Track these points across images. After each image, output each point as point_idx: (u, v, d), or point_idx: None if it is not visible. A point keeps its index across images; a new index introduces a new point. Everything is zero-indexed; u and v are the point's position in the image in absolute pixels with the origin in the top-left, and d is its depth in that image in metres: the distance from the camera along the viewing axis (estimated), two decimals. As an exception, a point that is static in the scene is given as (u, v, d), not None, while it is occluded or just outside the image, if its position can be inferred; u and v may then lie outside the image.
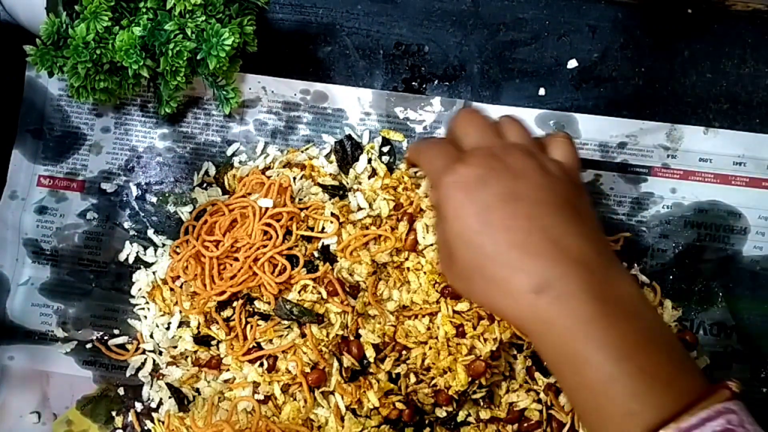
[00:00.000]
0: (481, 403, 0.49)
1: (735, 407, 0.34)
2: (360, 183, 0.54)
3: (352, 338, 0.50)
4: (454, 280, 0.42)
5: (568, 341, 0.36)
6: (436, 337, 0.49)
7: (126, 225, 0.57)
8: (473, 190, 0.39)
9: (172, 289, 0.53)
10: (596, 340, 0.36)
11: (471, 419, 0.49)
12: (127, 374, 0.54)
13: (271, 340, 0.51)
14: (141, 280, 0.55)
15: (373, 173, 0.55)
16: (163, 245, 0.56)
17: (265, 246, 0.51)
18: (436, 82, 0.58)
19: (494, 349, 0.48)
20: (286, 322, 0.50)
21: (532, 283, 0.37)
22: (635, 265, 0.54)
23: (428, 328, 0.49)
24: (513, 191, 0.39)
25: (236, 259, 0.51)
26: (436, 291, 0.50)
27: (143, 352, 0.54)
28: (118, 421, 0.54)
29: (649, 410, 0.34)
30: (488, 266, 0.38)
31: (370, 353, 0.49)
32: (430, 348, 0.49)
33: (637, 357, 0.35)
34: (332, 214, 0.52)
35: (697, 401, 0.34)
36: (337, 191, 0.53)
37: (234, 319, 0.51)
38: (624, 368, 0.35)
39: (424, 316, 0.50)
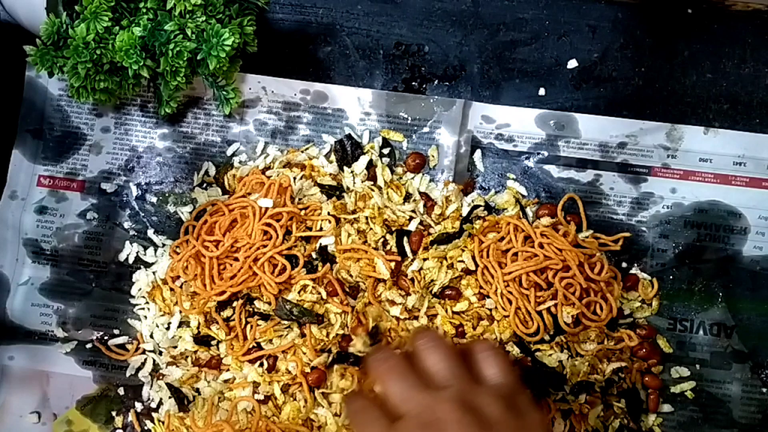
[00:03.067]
0: None
1: None
2: (355, 185, 0.54)
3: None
4: None
5: None
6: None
7: (126, 225, 0.57)
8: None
9: (172, 289, 0.53)
10: None
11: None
12: (127, 374, 0.54)
13: (271, 340, 0.51)
14: (141, 280, 0.55)
15: (369, 176, 0.55)
16: (163, 245, 0.56)
17: (265, 246, 0.51)
18: (436, 82, 0.58)
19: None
20: (286, 322, 0.50)
21: None
22: (635, 264, 0.54)
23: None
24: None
25: (236, 259, 0.51)
26: (432, 294, 0.50)
27: (143, 352, 0.54)
28: (118, 421, 0.54)
29: None
30: None
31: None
32: None
33: None
34: (329, 214, 0.52)
35: None
36: (335, 191, 0.53)
37: (234, 319, 0.51)
38: None
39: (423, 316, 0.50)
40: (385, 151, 0.56)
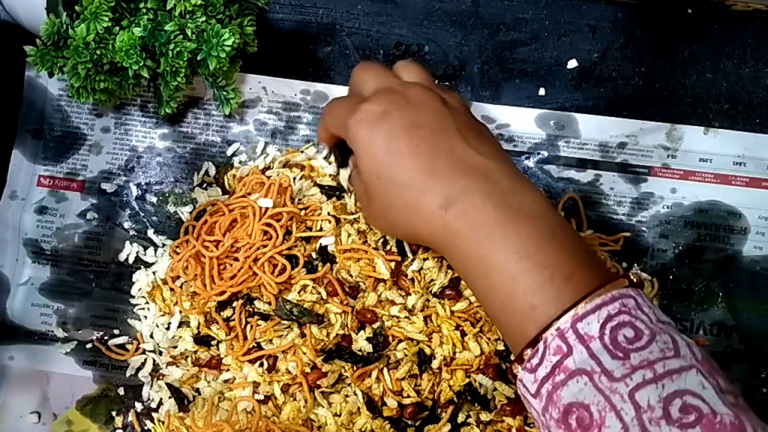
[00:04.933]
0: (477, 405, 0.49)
1: (633, 293, 0.36)
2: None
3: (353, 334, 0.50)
4: (375, 219, 0.45)
5: (474, 248, 0.39)
6: (435, 334, 0.49)
7: (126, 225, 0.57)
8: (377, 124, 0.41)
9: (172, 289, 0.53)
10: (498, 243, 0.38)
11: (471, 420, 0.49)
12: (127, 374, 0.54)
13: (271, 340, 0.51)
14: (141, 280, 0.55)
15: None
16: (163, 245, 0.56)
17: (265, 246, 0.51)
18: (436, 82, 0.58)
19: (501, 348, 0.49)
20: (286, 322, 0.50)
21: (439, 201, 0.39)
22: (635, 264, 0.54)
23: (427, 326, 0.50)
24: (414, 120, 0.41)
25: (236, 259, 0.51)
26: (432, 294, 0.50)
27: (143, 352, 0.54)
28: (118, 421, 0.54)
29: (549, 303, 0.36)
30: (400, 194, 0.41)
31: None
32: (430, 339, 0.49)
33: (536, 255, 0.37)
34: (329, 214, 0.52)
35: (596, 291, 0.35)
36: (335, 192, 0.53)
37: (234, 319, 0.51)
38: (524, 266, 0.37)
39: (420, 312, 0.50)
40: None
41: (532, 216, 0.39)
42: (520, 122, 0.56)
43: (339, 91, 0.57)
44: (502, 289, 0.38)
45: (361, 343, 0.49)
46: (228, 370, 0.51)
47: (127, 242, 0.56)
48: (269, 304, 0.50)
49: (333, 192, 0.53)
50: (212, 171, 0.57)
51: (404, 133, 0.41)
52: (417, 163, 0.40)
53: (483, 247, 0.38)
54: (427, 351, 0.49)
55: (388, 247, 0.51)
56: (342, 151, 0.50)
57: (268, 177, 0.54)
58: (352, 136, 0.43)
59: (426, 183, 0.40)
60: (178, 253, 0.53)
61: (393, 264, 0.50)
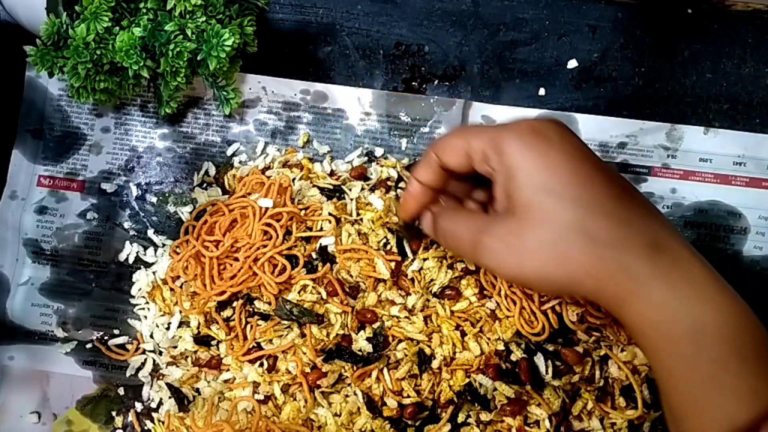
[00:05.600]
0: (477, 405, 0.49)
1: None
2: (351, 190, 0.53)
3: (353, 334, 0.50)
4: (528, 258, 0.35)
5: (687, 314, 0.33)
6: (435, 334, 0.49)
7: (126, 225, 0.57)
8: (547, 137, 0.34)
9: (172, 289, 0.53)
10: (715, 303, 0.33)
11: (471, 420, 0.49)
12: (127, 374, 0.54)
13: (271, 340, 0.51)
14: (141, 280, 0.55)
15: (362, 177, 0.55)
16: (163, 245, 0.56)
17: (265, 246, 0.51)
18: (436, 82, 0.58)
19: (500, 348, 0.49)
20: (286, 322, 0.50)
21: (647, 238, 0.33)
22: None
23: (427, 326, 0.50)
24: (583, 147, 0.35)
25: (236, 259, 0.51)
26: (432, 294, 0.50)
27: (143, 352, 0.54)
28: (118, 421, 0.54)
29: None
30: (590, 220, 0.33)
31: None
32: (431, 339, 0.49)
33: (742, 318, 0.33)
34: (330, 214, 0.52)
35: None
36: (335, 193, 0.53)
37: (234, 319, 0.51)
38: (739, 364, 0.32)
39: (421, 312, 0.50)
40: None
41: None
42: (520, 122, 0.56)
43: (339, 91, 0.57)
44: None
45: (361, 343, 0.49)
46: (228, 370, 0.51)
47: (127, 242, 0.56)
48: (269, 304, 0.50)
49: (332, 193, 0.53)
50: (212, 171, 0.57)
51: (581, 155, 0.35)
52: (611, 191, 0.34)
53: (698, 307, 0.33)
54: (427, 351, 0.49)
55: (388, 248, 0.51)
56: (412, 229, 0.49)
57: (268, 177, 0.54)
58: (510, 151, 0.35)
59: (625, 213, 0.34)
60: (178, 253, 0.53)
61: (393, 264, 0.50)
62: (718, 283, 0.34)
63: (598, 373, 0.50)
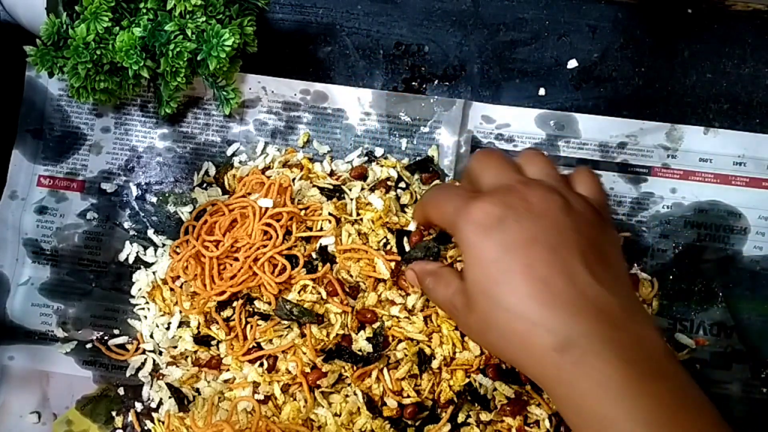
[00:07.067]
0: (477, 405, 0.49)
1: None
2: (351, 190, 0.53)
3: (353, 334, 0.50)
4: (470, 331, 0.41)
5: (594, 404, 0.34)
6: (435, 334, 0.49)
7: (126, 225, 0.57)
8: (490, 232, 0.37)
9: (172, 289, 0.53)
10: (626, 408, 0.33)
11: (471, 420, 0.49)
12: (127, 374, 0.54)
13: (271, 340, 0.51)
14: (141, 280, 0.55)
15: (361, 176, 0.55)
16: (163, 245, 0.56)
17: (265, 246, 0.51)
18: (436, 82, 0.58)
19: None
20: (286, 322, 0.50)
21: (552, 341, 0.35)
22: (635, 264, 0.54)
23: (427, 326, 0.50)
24: (533, 234, 0.36)
25: (236, 259, 0.51)
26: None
27: (143, 352, 0.54)
28: (118, 421, 0.54)
29: None
30: (507, 319, 0.36)
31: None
32: (430, 339, 0.49)
33: (669, 425, 0.33)
34: (330, 214, 0.52)
35: None
36: (335, 193, 0.53)
37: (234, 319, 0.51)
38: None
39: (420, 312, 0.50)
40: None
41: (659, 373, 0.34)
42: (520, 122, 0.56)
43: (339, 91, 0.57)
44: None
45: (361, 343, 0.49)
46: (228, 370, 0.51)
47: (127, 242, 0.56)
48: (269, 304, 0.50)
49: (332, 193, 0.53)
50: (212, 171, 0.57)
51: (520, 250, 0.36)
52: (530, 290, 0.35)
53: (605, 407, 0.33)
54: (427, 351, 0.49)
55: (388, 247, 0.51)
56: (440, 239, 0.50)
57: (268, 177, 0.54)
58: (460, 238, 0.38)
59: (539, 316, 0.35)
60: (178, 253, 0.53)
61: (393, 264, 0.50)
62: (632, 386, 0.34)
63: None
